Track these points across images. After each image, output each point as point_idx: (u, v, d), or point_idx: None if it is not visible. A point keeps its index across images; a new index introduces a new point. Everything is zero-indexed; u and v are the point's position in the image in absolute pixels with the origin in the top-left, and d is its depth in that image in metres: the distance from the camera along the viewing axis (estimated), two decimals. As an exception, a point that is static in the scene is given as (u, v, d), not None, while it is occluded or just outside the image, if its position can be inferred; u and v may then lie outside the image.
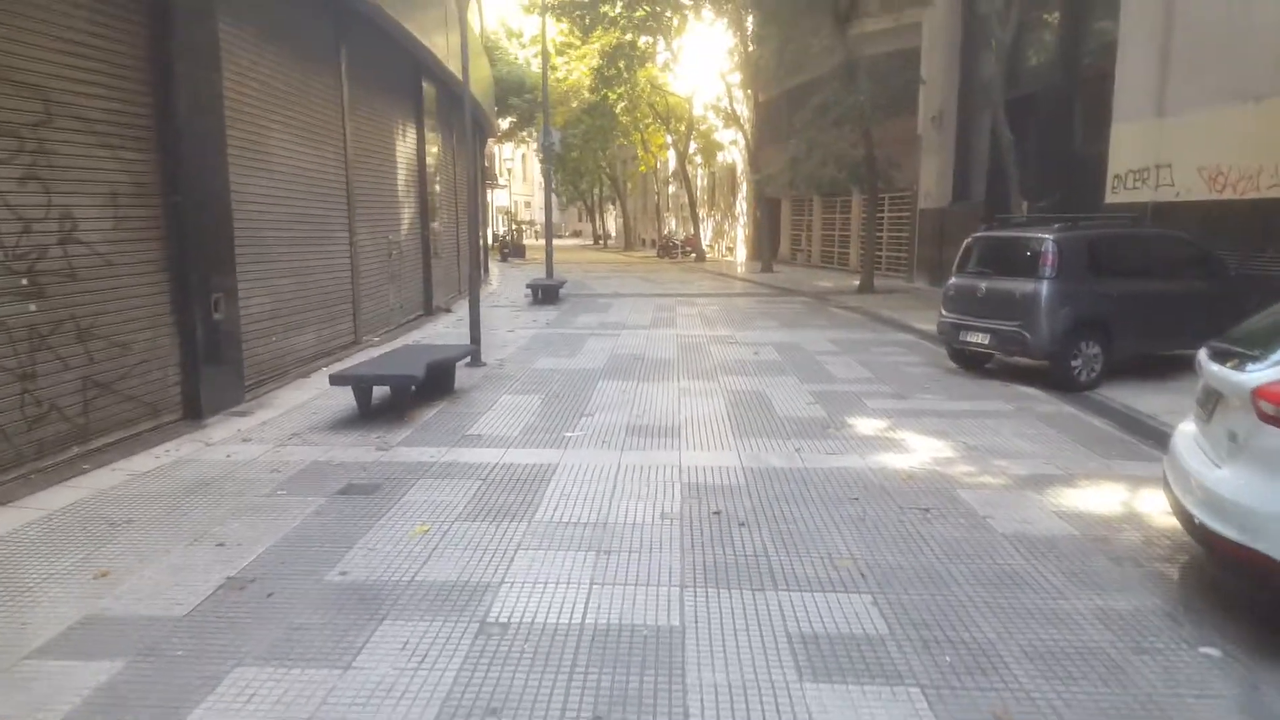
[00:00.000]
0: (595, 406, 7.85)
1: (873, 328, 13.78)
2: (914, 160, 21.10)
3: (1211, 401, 4.14)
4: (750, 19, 24.74)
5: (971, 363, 9.81)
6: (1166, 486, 4.36)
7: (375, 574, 4.12)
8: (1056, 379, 8.68)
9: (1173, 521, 4.88)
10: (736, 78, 29.42)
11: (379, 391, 7.49)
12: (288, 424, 7.09)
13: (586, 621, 3.68)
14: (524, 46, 40.56)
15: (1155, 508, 5.17)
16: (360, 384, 7.08)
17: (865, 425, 7.18)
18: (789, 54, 22.25)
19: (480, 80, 20.72)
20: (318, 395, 8.02)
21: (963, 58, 19.82)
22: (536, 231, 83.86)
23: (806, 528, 4.81)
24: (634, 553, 4.42)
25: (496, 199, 61.17)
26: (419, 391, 7.94)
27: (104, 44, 6.10)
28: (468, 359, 9.59)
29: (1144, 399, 7.89)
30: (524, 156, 66.87)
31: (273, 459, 6.09)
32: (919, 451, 6.39)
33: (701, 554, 4.42)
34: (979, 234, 9.72)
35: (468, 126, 10.17)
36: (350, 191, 10.73)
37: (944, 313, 9.73)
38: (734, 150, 36.25)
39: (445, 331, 12.73)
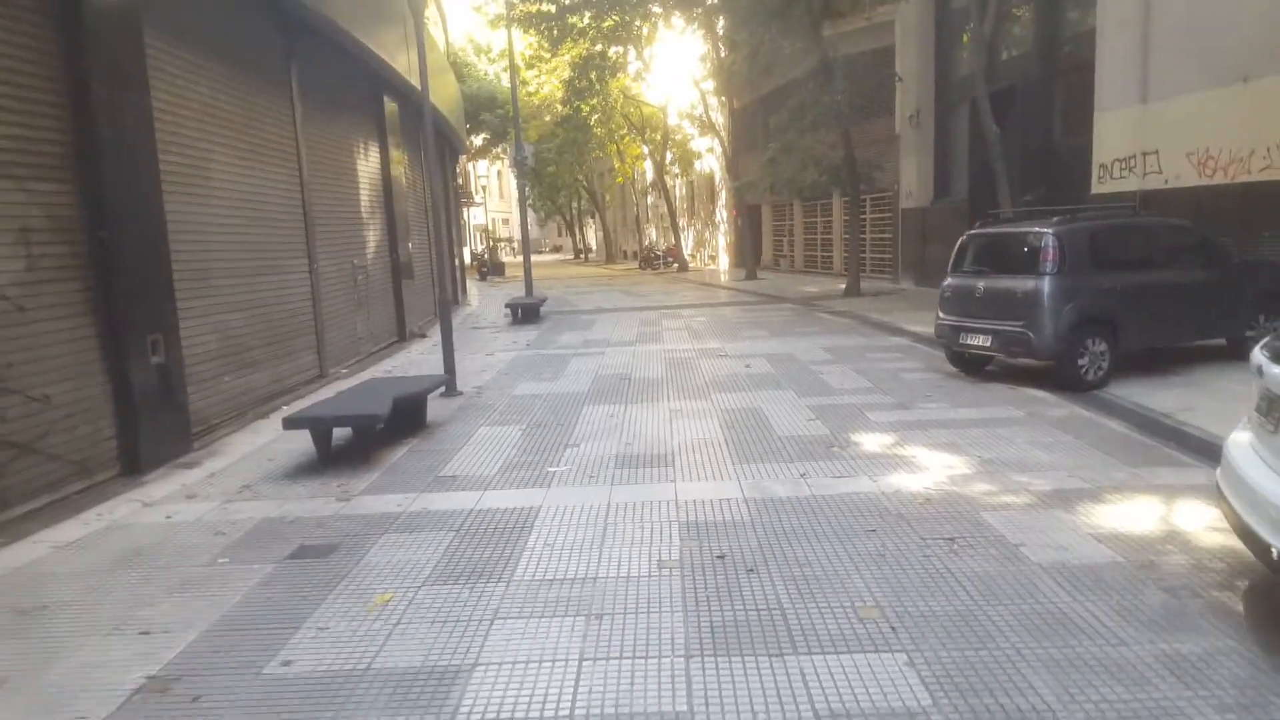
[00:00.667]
0: (581, 435, 7.26)
1: (865, 333, 13.28)
2: (894, 160, 20.74)
3: (1278, 410, 3.60)
4: (721, 23, 24.34)
5: (972, 366, 9.31)
6: (1225, 505, 3.83)
7: (324, 662, 3.50)
8: (1063, 379, 8.19)
9: (1221, 540, 4.37)
10: (710, 85, 29.02)
11: (342, 432, 6.86)
12: (239, 475, 6.45)
13: (577, 712, 3.08)
14: (493, 62, 40.11)
15: (1197, 523, 4.65)
16: (317, 426, 6.45)
17: (871, 442, 6.63)
18: (762, 57, 21.84)
19: (448, 97, 20.19)
20: (274, 439, 7.38)
21: (937, 54, 19.49)
22: (515, 248, 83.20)
23: (823, 570, 4.23)
24: (630, 614, 3.82)
25: (474, 217, 60.60)
26: (386, 429, 7.32)
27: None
28: (441, 389, 8.97)
29: (1155, 396, 7.40)
30: (499, 173, 66.31)
31: (218, 518, 5.45)
32: (932, 469, 5.84)
33: (707, 612, 3.83)
34: (973, 231, 9.24)
35: (428, 137, 9.55)
36: (308, 216, 10.11)
37: (941, 315, 9.22)
38: (711, 158, 35.88)
39: (419, 359, 12.11)
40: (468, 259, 44.47)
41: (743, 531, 4.81)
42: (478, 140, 43.95)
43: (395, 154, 14.10)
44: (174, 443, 6.83)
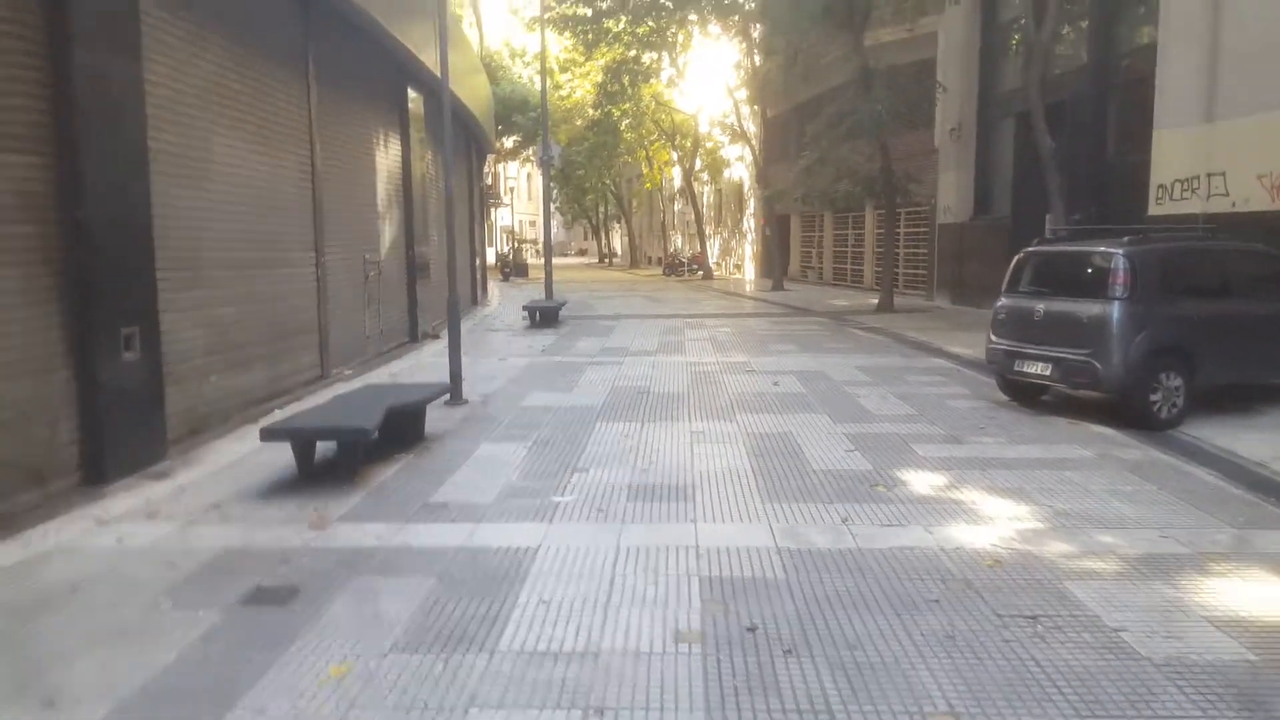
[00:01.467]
0: (591, 458, 6.44)
1: (901, 351, 12.36)
2: (931, 174, 19.78)
3: None
4: (758, 30, 23.50)
5: (1026, 395, 8.39)
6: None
7: (244, 765, 2.71)
8: (1133, 416, 7.26)
9: None
10: (743, 93, 28.22)
11: (328, 444, 6.09)
12: (211, 490, 5.69)
13: None
14: (527, 65, 39.55)
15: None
16: (298, 439, 5.68)
17: (921, 481, 5.75)
18: (799, 65, 21.00)
19: (478, 96, 19.54)
20: (258, 448, 6.59)
21: (981, 67, 18.51)
22: (540, 250, 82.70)
23: (879, 655, 3.38)
24: (638, 710, 3.00)
25: (501, 218, 60.17)
26: (380, 442, 6.54)
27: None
28: (446, 397, 8.20)
29: (1241, 440, 6.45)
30: (529, 175, 65.86)
31: (175, 545, 4.69)
32: (997, 520, 4.96)
33: (736, 709, 2.99)
34: (1032, 248, 8.32)
35: (446, 127, 8.79)
36: (318, 207, 9.40)
37: (994, 338, 8.31)
38: (740, 167, 35.05)
39: (430, 361, 11.36)
40: (492, 259, 43.98)
41: (777, 593, 3.96)
42: (509, 142, 43.43)
43: (417, 148, 13.42)
44: (145, 449, 6.10)
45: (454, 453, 6.61)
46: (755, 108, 28.61)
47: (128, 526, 4.98)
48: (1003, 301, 8.28)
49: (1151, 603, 3.83)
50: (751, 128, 29.30)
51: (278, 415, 7.76)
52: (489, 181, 38.06)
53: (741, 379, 9.97)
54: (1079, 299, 7.49)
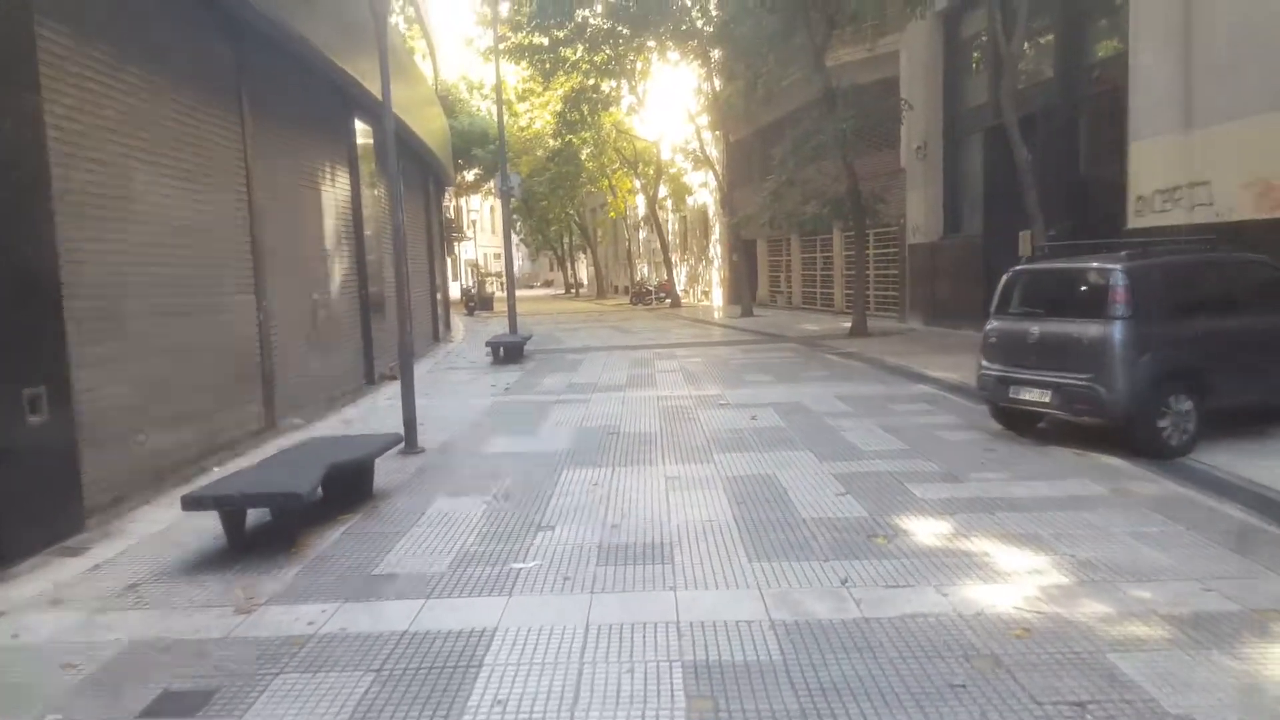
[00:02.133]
0: (556, 512, 5.83)
1: (882, 378, 11.93)
2: (899, 194, 19.62)
3: None
4: (717, 54, 23.36)
5: (1020, 423, 7.94)
6: None
7: None
8: (1140, 444, 6.82)
9: None
10: (705, 119, 28.09)
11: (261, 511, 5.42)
12: (129, 567, 4.99)
13: None
14: (485, 98, 39.17)
15: None
16: (225, 507, 5.01)
17: (924, 529, 5.22)
18: (760, 89, 20.84)
19: (435, 129, 19.05)
20: (188, 515, 5.92)
21: (945, 84, 18.45)
22: (505, 282, 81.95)
23: (902, 764, 2.81)
24: None
25: (465, 251, 59.51)
26: (324, 502, 5.91)
27: None
28: (399, 447, 7.56)
29: (1261, 468, 6.03)
30: (491, 208, 65.36)
31: (78, 638, 4.00)
32: (1016, 575, 4.44)
33: None
34: (1021, 266, 7.94)
35: (388, 152, 8.22)
36: (258, 246, 8.75)
37: (985, 363, 7.88)
38: (705, 192, 34.90)
39: (386, 405, 10.67)
40: (457, 294, 43.29)
41: (774, 683, 3.38)
42: (470, 176, 42.98)
43: (368, 181, 12.82)
44: (57, 522, 5.39)
45: (405, 512, 5.96)
46: (717, 133, 28.48)
47: (27, 617, 4.29)
48: (993, 324, 7.87)
49: (1215, 679, 3.32)
50: (714, 153, 29.14)
51: (215, 474, 7.06)
52: (451, 215, 37.52)
53: (716, 414, 9.44)
54: (1076, 319, 7.08)
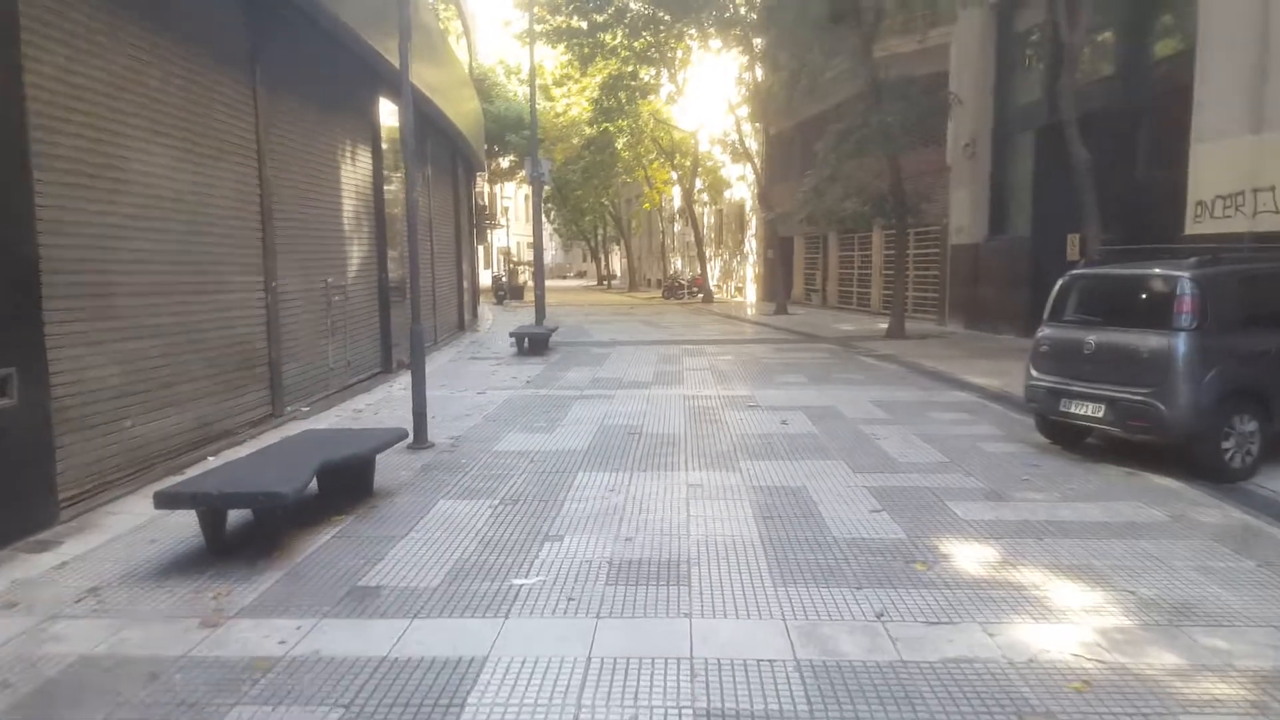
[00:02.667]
0: (567, 520, 5.43)
1: (919, 383, 11.36)
2: (943, 193, 18.91)
3: None
4: (760, 43, 22.74)
5: (1067, 437, 7.39)
6: None
7: None
8: (1201, 466, 6.27)
9: None
10: (745, 110, 27.48)
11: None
12: (96, 567, 4.68)
13: None
14: (523, 83, 38.85)
15: None
16: (200, 506, 4.67)
17: (967, 555, 4.73)
18: (804, 79, 20.23)
19: (466, 112, 18.74)
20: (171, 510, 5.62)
21: (997, 79, 17.68)
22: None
23: None
24: None
25: (497, 239, 59.48)
26: (320, 498, 5.58)
27: None
28: (407, 441, 7.21)
29: (1346, 499, 5.44)
30: (525, 196, 65.26)
31: (24, 651, 3.68)
32: (1070, 614, 3.94)
33: None
34: (1079, 271, 7.36)
35: (406, 126, 7.84)
36: (268, 225, 8.45)
37: (1035, 373, 7.32)
38: (742, 187, 34.28)
39: (401, 394, 10.35)
40: (488, 281, 43.17)
41: (798, 738, 2.94)
42: (504, 163, 42.79)
43: (393, 163, 12.50)
44: (27, 514, 5.09)
45: (404, 513, 5.59)
46: (757, 125, 27.87)
47: (-27, 622, 3.97)
48: (1045, 331, 7.30)
49: (1314, 757, 2.81)
50: (753, 146, 28.53)
51: (210, 463, 6.77)
52: (484, 202, 37.36)
53: (745, 416, 8.97)
54: (1137, 330, 6.51)
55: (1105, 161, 13.48)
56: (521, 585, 4.34)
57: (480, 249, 59.18)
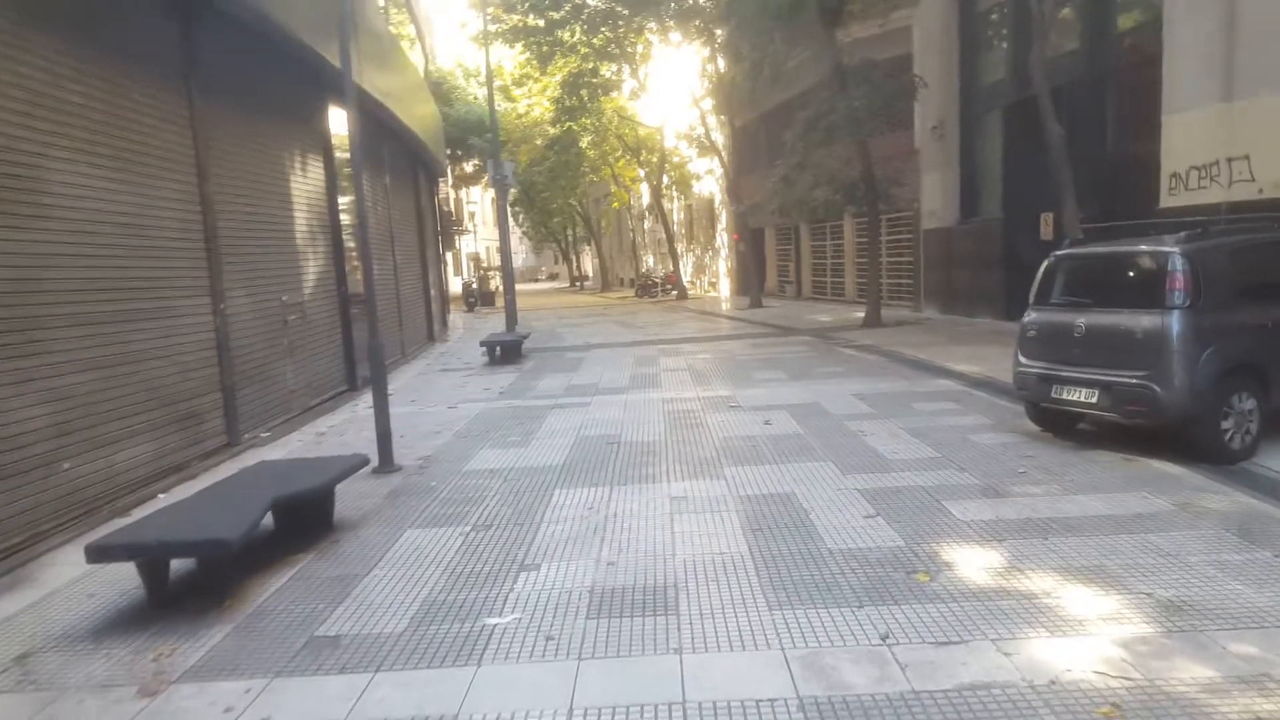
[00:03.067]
0: (544, 545, 5.08)
1: (901, 373, 11.13)
2: (913, 177, 18.76)
3: None
4: (721, 35, 22.47)
5: (1059, 423, 7.16)
6: None
7: None
8: (1200, 448, 6.07)
9: None
10: (710, 103, 27.23)
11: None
12: (27, 629, 4.26)
13: None
14: (482, 85, 38.33)
15: None
16: (136, 557, 4.27)
17: (970, 561, 4.45)
18: (766, 69, 19.99)
19: (425, 117, 18.29)
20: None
21: (962, 60, 17.57)
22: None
23: None
24: None
25: (466, 245, 58.80)
26: (276, 536, 5.20)
27: None
28: (373, 464, 6.83)
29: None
30: (492, 200, 64.66)
31: (-76, 740, 3.27)
32: (1089, 625, 3.66)
33: None
34: (1063, 251, 7.12)
35: (353, 120, 7.44)
36: (213, 244, 8.00)
37: (1023, 360, 7.08)
38: (710, 180, 34.05)
39: (367, 414, 9.84)
40: (458, 288, 42.61)
41: (808, 795, 2.62)
42: (468, 167, 42.24)
43: (346, 172, 12.04)
44: (-51, 572, 4.66)
45: (368, 547, 5.21)
46: (722, 117, 27.66)
47: (-123, 707, 3.54)
48: (1032, 316, 7.06)
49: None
50: (719, 139, 28.32)
51: (161, 501, 6.36)
52: (450, 208, 36.79)
53: (726, 418, 8.67)
54: (1128, 310, 6.28)
55: (1075, 137, 13.37)
56: (495, 625, 3.99)
57: (449, 256, 58.53)
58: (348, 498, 6.29)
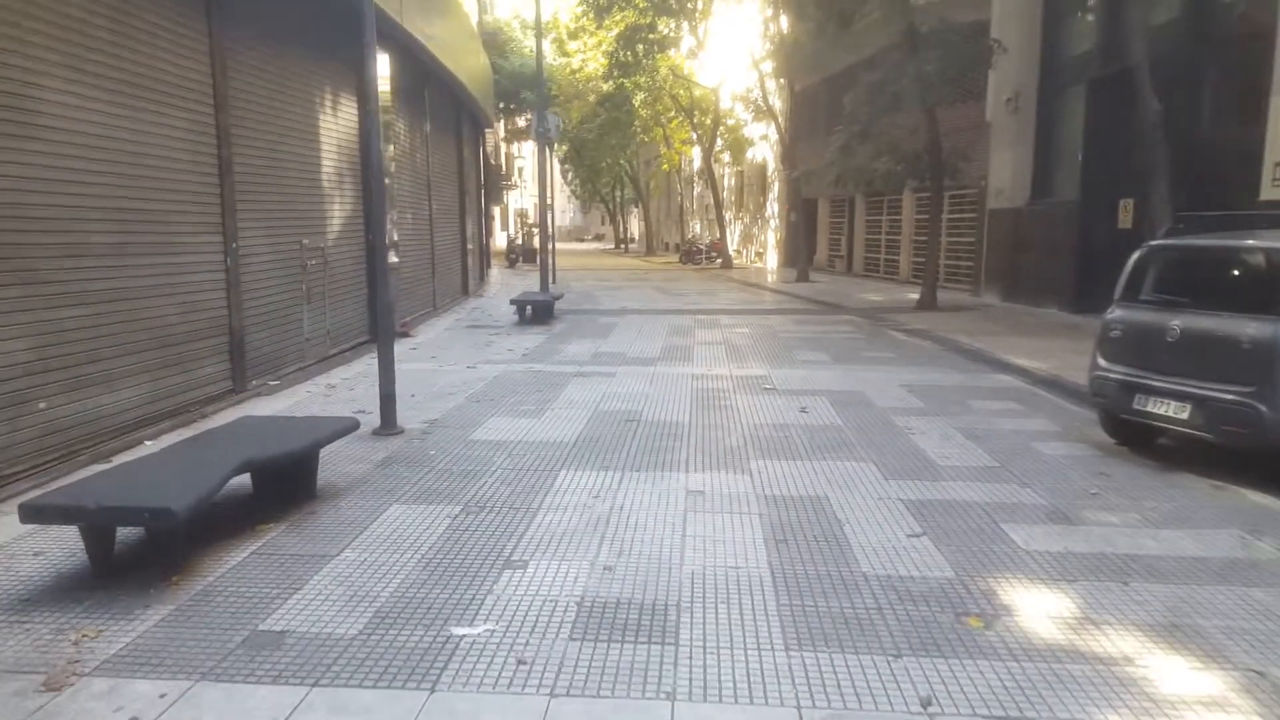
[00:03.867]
0: (537, 537, 4.48)
1: (956, 363, 10.27)
2: (982, 152, 17.52)
3: None
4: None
5: (1136, 436, 6.31)
6: None
7: None
8: (1307, 479, 5.20)
9: None
10: (769, 65, 26.01)
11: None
12: (-52, 592, 3.81)
13: None
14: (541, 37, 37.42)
15: None
16: (73, 522, 3.76)
17: (1036, 608, 3.71)
18: (831, 27, 18.78)
19: (474, 67, 17.65)
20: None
21: (1045, 28, 16.21)
22: (556, 234, 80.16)
23: None
24: None
25: (513, 200, 58.36)
26: (253, 500, 4.70)
27: None
28: (373, 427, 6.32)
29: None
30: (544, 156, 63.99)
31: None
32: (1185, 710, 2.93)
33: None
34: (1159, 241, 6.22)
35: (370, 43, 6.78)
36: (228, 179, 7.48)
37: (1103, 363, 6.22)
38: (765, 147, 32.83)
39: (384, 368, 9.44)
40: (504, 243, 42.23)
41: None
42: (520, 121, 41.56)
43: (385, 117, 11.47)
44: (-113, 518, 4.23)
45: (345, 523, 4.67)
46: (781, 81, 26.39)
47: None
48: (1116, 313, 6.18)
49: None
50: (777, 103, 27.12)
51: (147, 448, 5.92)
52: (494, 161, 36.19)
53: (759, 402, 7.97)
54: (1233, 314, 5.39)
55: (1168, 117, 12.17)
56: (463, 636, 3.40)
57: (496, 210, 58.16)
58: (339, 461, 5.79)
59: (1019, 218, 16.54)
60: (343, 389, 8.43)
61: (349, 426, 5.32)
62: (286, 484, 4.93)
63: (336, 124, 10.08)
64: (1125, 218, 13.59)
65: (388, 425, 6.63)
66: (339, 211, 10.14)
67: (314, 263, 9.35)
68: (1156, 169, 9.51)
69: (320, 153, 9.59)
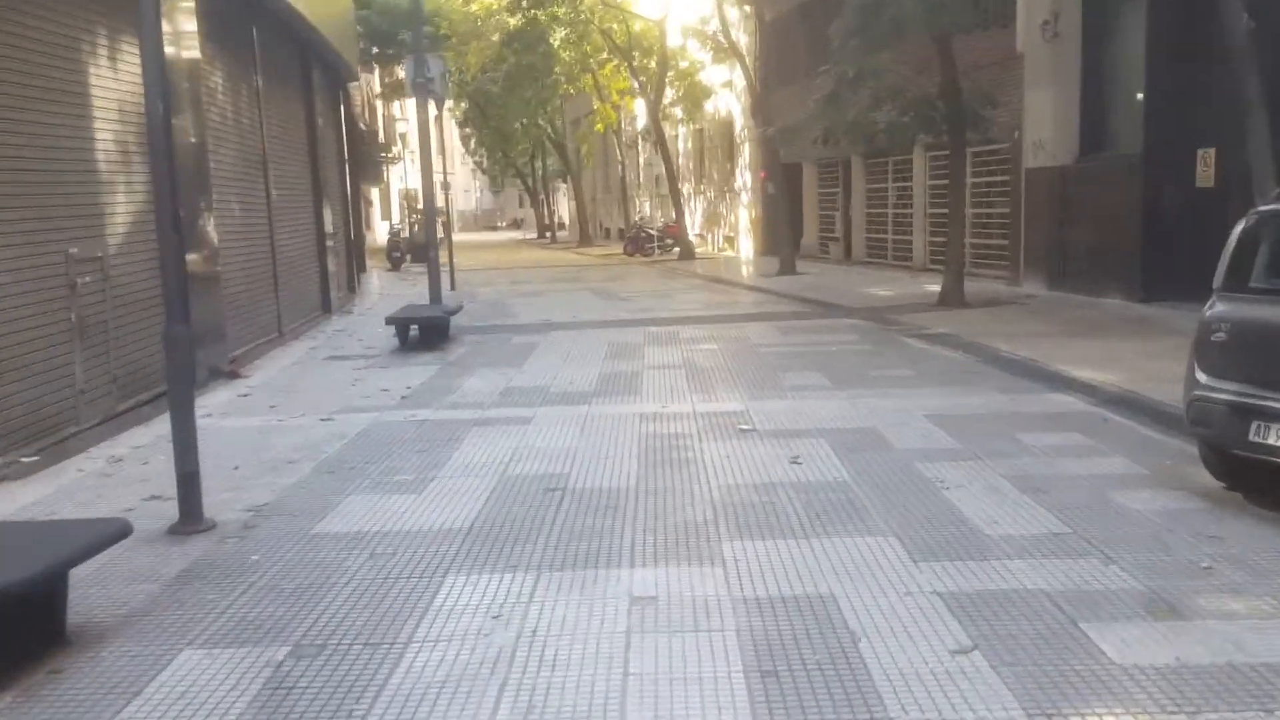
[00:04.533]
0: (402, 694, 3.92)
1: (996, 379, 10.22)
2: (1014, 95, 17.70)
3: None
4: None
5: (1251, 478, 6.05)
6: None
7: None
8: None
9: None
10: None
11: None
12: None
13: None
14: (420, -41, 37.20)
15: None
16: None
17: (1143, 760, 3.31)
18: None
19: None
20: None
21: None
22: (464, 222, 79.85)
23: None
24: None
25: (395, 179, 57.72)
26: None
27: None
28: (168, 523, 5.70)
29: None
30: (436, 118, 63.60)
31: None
32: None
33: None
34: (1272, 205, 6.01)
35: None
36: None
37: (1204, 378, 5.95)
38: (729, 96, 33.02)
39: (207, 424, 8.77)
40: (385, 237, 41.67)
41: None
42: (400, 71, 41.10)
43: (188, 67, 10.93)
44: None
45: (103, 688, 4.04)
46: (748, 8, 26.60)
47: None
48: (1220, 308, 5.93)
49: None
50: (743, 39, 27.31)
51: None
52: (365, 125, 35.65)
53: (734, 450, 7.63)
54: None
55: (1261, 35, 12.22)
56: None
57: (376, 193, 57.33)
58: (111, 580, 5.23)
59: (1065, 178, 16.75)
60: (132, 463, 7.86)
61: (115, 533, 4.73)
62: (18, 626, 4.30)
63: (117, 81, 9.51)
64: (1206, 174, 13.71)
65: (190, 519, 6.04)
66: (126, 206, 9.60)
67: (88, 280, 8.74)
68: (1250, 106, 9.42)
69: (93, 124, 9.02)
